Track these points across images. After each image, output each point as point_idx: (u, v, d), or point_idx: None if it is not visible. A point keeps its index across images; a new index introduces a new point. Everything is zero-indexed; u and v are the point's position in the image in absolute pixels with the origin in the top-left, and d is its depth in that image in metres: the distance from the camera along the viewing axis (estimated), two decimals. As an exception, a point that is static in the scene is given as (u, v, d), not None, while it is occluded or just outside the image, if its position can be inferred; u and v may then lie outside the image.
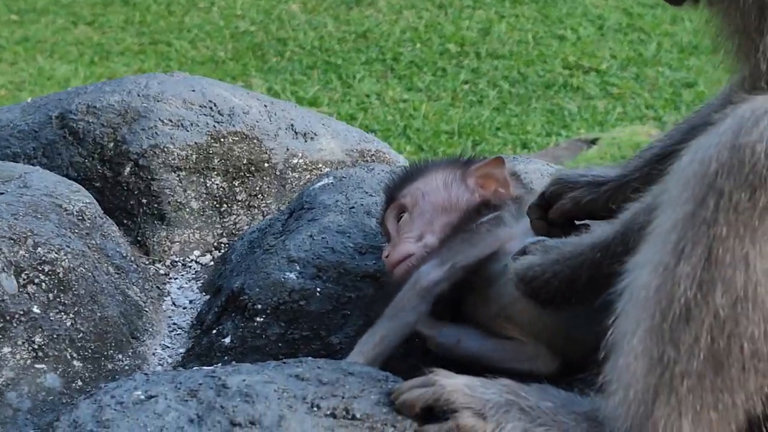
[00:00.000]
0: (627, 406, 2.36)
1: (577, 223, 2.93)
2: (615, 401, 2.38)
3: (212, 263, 3.70)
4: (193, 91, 3.93)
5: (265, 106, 4.00)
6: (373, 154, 4.07)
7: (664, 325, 2.32)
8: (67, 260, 3.06)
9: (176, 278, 3.62)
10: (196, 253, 3.75)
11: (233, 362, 3.00)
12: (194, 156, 3.79)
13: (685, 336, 2.30)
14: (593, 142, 8.61)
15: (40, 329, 2.94)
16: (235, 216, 3.85)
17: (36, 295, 2.97)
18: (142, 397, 2.50)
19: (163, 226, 3.74)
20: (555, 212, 2.87)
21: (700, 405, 2.31)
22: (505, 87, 9.75)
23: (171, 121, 3.82)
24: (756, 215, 2.24)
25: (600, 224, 2.74)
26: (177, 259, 3.71)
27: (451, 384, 2.45)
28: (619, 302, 2.42)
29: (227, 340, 3.13)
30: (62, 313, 2.99)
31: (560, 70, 9.93)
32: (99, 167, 3.76)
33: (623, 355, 2.38)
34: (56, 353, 2.94)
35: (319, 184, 3.46)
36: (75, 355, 2.97)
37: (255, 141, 3.88)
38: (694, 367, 2.30)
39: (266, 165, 3.88)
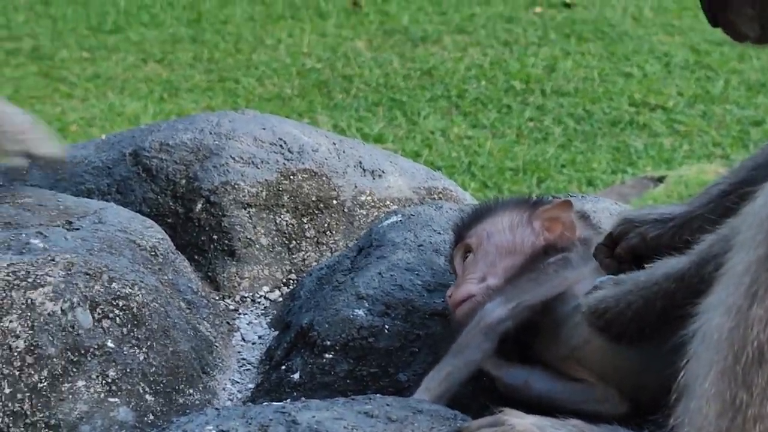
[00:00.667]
0: (698, 448, 2.34)
1: (645, 265, 2.92)
2: (686, 444, 2.37)
3: (281, 299, 3.73)
4: (264, 129, 3.98)
5: (334, 143, 4.04)
6: (440, 192, 4.09)
7: (737, 367, 2.30)
8: (140, 295, 3.11)
9: (245, 314, 3.66)
10: (265, 288, 3.79)
11: (302, 398, 3.02)
12: (264, 193, 3.84)
13: (759, 379, 2.28)
14: (660, 180, 8.55)
15: (113, 363, 2.99)
16: (303, 252, 3.88)
17: (110, 329, 3.02)
18: (214, 431, 2.53)
19: (233, 262, 3.78)
20: (622, 248, 2.87)
21: None
22: (571, 124, 9.73)
23: (242, 158, 3.88)
24: None
25: (674, 257, 2.72)
26: (246, 295, 3.75)
27: (521, 424, 2.45)
28: (691, 344, 2.41)
29: (296, 375, 3.16)
30: (135, 348, 3.04)
31: (626, 107, 9.89)
32: (171, 203, 3.83)
33: (695, 398, 2.36)
34: (129, 387, 2.98)
35: (388, 221, 3.49)
36: (147, 389, 3.02)
37: (324, 178, 3.92)
38: (767, 410, 2.28)
39: (335, 202, 3.92)
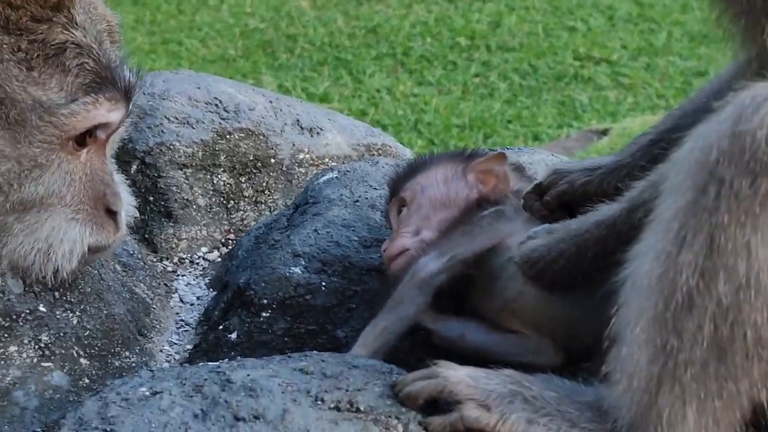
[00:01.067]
0: (631, 395, 2.36)
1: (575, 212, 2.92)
2: (619, 390, 2.38)
3: (219, 259, 3.71)
4: (198, 88, 3.94)
5: (271, 102, 4.01)
6: (380, 148, 4.08)
7: (666, 314, 2.31)
8: (73, 258, 3.06)
9: (184, 275, 3.63)
10: (204, 249, 3.76)
11: (239, 357, 3.00)
12: (200, 153, 3.80)
13: (688, 324, 2.30)
14: (604, 132, 8.59)
15: (46, 328, 2.96)
16: (242, 212, 3.85)
17: (42, 293, 2.99)
18: (147, 393, 2.51)
19: (171, 224, 3.75)
20: (550, 195, 2.87)
21: (704, 393, 2.31)
22: (516, 79, 9.73)
23: (177, 118, 3.83)
24: (757, 202, 2.24)
25: (605, 204, 2.73)
26: (184, 256, 3.72)
27: (455, 375, 2.45)
28: (621, 291, 2.42)
29: (234, 335, 3.14)
30: (68, 312, 3.00)
31: (571, 61, 9.90)
32: (105, 166, 3.78)
33: (626, 345, 2.37)
34: (63, 351, 2.95)
35: (324, 178, 3.47)
36: (81, 352, 2.99)
37: (261, 137, 3.89)
38: (698, 355, 2.30)
39: (272, 161, 3.89)
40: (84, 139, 2.74)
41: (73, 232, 2.74)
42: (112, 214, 2.81)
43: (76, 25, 2.66)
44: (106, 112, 2.71)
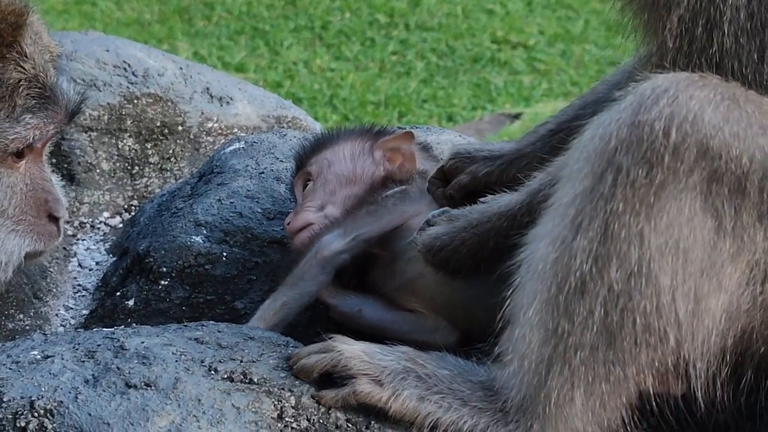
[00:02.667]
0: (521, 376, 2.40)
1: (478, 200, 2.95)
2: (510, 371, 2.42)
3: (121, 225, 3.67)
4: (107, 51, 3.88)
5: (181, 68, 3.96)
6: (290, 121, 4.06)
7: (559, 297, 2.35)
8: (-32, 218, 3.00)
9: (84, 239, 3.59)
10: (106, 214, 3.72)
11: (135, 325, 2.98)
12: (106, 117, 3.75)
13: (580, 309, 2.34)
14: (517, 116, 8.65)
15: (-62, 286, 2.90)
16: (146, 179, 3.81)
17: (-65, 252, 2.93)
18: (39, 356, 2.48)
19: (73, 187, 3.69)
20: (454, 186, 2.90)
21: (592, 377, 2.35)
22: (433, 59, 9.76)
23: (83, 80, 3.77)
24: (652, 192, 2.28)
25: (506, 194, 2.76)
26: (85, 221, 3.68)
27: (350, 350, 2.46)
28: (517, 274, 2.45)
29: (131, 302, 3.11)
30: (-39, 272, 2.95)
31: (488, 44, 9.95)
32: (7, 125, 3.70)
33: (519, 327, 2.41)
34: (-46, 312, 2.90)
35: (230, 148, 3.44)
36: (-27, 314, 2.94)
37: (169, 104, 3.85)
38: (588, 339, 2.34)
39: (180, 128, 3.85)
40: (22, 151, 2.84)
41: (11, 244, 2.84)
42: (53, 219, 2.90)
43: (26, 58, 2.81)
44: (48, 130, 2.85)
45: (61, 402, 2.35)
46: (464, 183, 2.89)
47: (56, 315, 3.20)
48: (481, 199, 2.76)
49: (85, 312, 3.23)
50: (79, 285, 3.35)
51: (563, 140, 2.44)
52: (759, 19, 2.35)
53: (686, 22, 2.39)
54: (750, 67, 2.35)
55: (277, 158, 3.37)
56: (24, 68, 2.79)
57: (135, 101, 3.80)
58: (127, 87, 3.81)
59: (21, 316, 3.05)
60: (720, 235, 2.31)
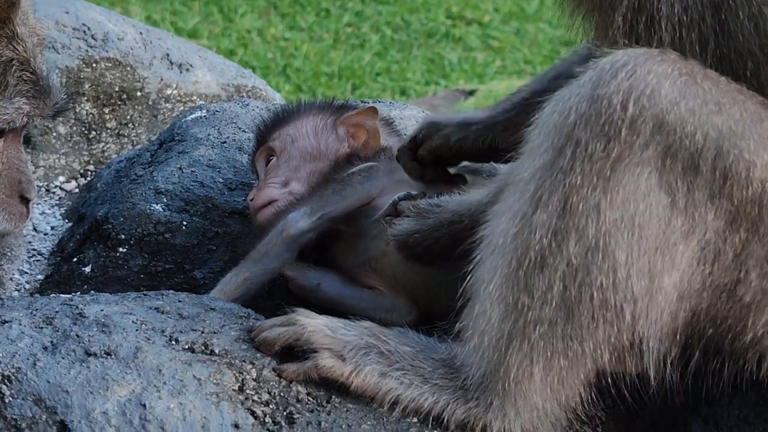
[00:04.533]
0: (481, 352, 2.40)
1: (450, 170, 2.94)
2: (470, 348, 2.42)
3: (77, 190, 3.62)
4: (67, 13, 3.82)
5: (141, 33, 3.91)
6: (250, 90, 4.03)
7: (519, 272, 2.36)
8: None
9: (38, 204, 3.54)
10: (61, 179, 3.67)
11: (93, 292, 2.95)
12: (64, 80, 3.69)
13: (539, 283, 2.34)
14: (471, 93, 8.66)
15: None
16: (103, 144, 3.77)
17: None
18: (-4, 322, 2.44)
19: (28, 150, 3.64)
20: (425, 150, 2.87)
21: (551, 352, 2.37)
22: (388, 33, 9.73)
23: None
24: (609, 165, 2.29)
25: (476, 190, 2.75)
26: (40, 185, 3.63)
27: (312, 324, 2.45)
28: (478, 250, 2.45)
29: (88, 269, 3.08)
30: None
31: (443, 19, 9.94)
32: (-37, 84, 3.64)
33: (480, 302, 2.41)
34: None
35: (192, 116, 3.41)
36: (-73, 276, 2.89)
37: (128, 68, 3.80)
38: (547, 314, 2.35)
39: (139, 94, 3.81)
40: (3, 131, 2.83)
41: None
42: (24, 200, 2.89)
43: (18, 38, 2.79)
44: (34, 117, 2.87)
45: (19, 368, 2.32)
46: (436, 145, 2.87)
47: (11, 279, 3.15)
48: (443, 198, 2.74)
49: (40, 277, 3.19)
50: (34, 249, 3.31)
51: (536, 107, 2.44)
52: (695, 12, 2.37)
53: (629, 20, 2.40)
54: (694, 59, 2.37)
55: (240, 128, 3.34)
56: (16, 49, 2.78)
57: (94, 65, 3.75)
58: (86, 50, 3.76)
59: (-25, 279, 3.01)
60: (674, 212, 2.32)
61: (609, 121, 2.27)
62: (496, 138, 2.84)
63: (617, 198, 2.29)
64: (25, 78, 2.81)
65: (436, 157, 2.88)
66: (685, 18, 2.37)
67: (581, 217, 2.30)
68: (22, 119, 2.81)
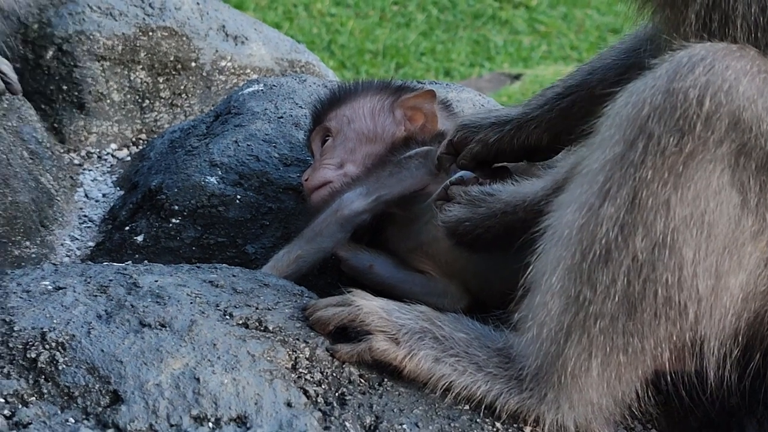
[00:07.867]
0: (539, 343, 2.37)
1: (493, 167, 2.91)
2: (528, 338, 2.39)
3: (129, 158, 3.61)
4: (125, -21, 3.81)
5: (198, 3, 3.90)
6: (303, 66, 4.01)
7: (583, 264, 2.32)
8: (-19, 140, 2.96)
9: (90, 170, 3.53)
10: (113, 146, 3.66)
11: (146, 261, 2.94)
12: (120, 47, 3.68)
13: (603, 277, 2.31)
14: (517, 77, 8.61)
15: (-53, 208, 2.85)
16: (156, 113, 3.76)
17: (-54, 172, 2.88)
18: (50, 287, 2.43)
19: (82, 116, 3.64)
20: (465, 157, 2.85)
21: (610, 347, 2.33)
22: (434, 12, 9.68)
23: (100, 8, 3.70)
24: (681, 160, 2.25)
25: (528, 181, 2.72)
26: (93, 151, 3.62)
27: (368, 306, 2.43)
28: (541, 240, 2.42)
29: (140, 238, 3.07)
30: (-28, 194, 2.90)
31: (490, 1, 9.88)
32: (21, 48, 3.64)
33: (540, 293, 2.38)
34: (-38, 234, 2.85)
35: (249, 89, 3.38)
36: (-19, 237, 2.89)
37: (184, 38, 3.78)
38: (609, 308, 2.31)
39: (193, 64, 3.79)
40: None
41: None
42: None
43: None
44: None
45: (74, 336, 2.31)
46: (475, 152, 2.84)
47: (62, 245, 3.15)
48: (496, 186, 2.71)
49: (91, 244, 3.18)
50: (85, 216, 3.30)
51: (571, 104, 2.39)
52: None
53: (702, 17, 2.36)
54: None
55: (296, 104, 3.32)
56: None
57: (150, 33, 3.74)
58: (143, 18, 3.75)
59: (27, 243, 3.00)
60: (744, 211, 2.28)
61: (684, 115, 2.23)
62: (529, 137, 2.81)
63: (688, 194, 2.25)
64: None
65: (476, 162, 2.86)
66: (762, 19, 2.32)
67: (650, 212, 2.26)
68: None
